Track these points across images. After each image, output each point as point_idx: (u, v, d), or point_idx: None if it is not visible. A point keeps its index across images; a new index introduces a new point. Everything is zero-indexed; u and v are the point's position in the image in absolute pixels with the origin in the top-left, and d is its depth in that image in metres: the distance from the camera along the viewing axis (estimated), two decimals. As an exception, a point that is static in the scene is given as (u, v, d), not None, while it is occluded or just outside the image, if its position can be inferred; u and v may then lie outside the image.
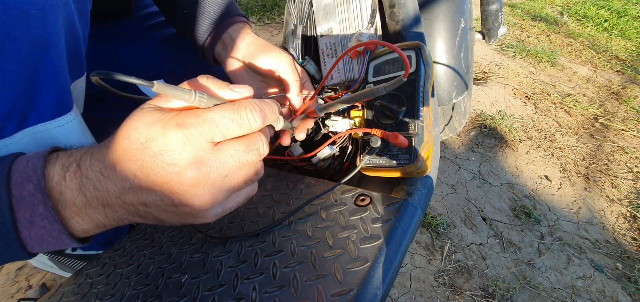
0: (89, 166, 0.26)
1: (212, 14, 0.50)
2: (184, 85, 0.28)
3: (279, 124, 0.34)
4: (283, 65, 0.45)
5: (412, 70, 0.43)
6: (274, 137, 0.59)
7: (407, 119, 0.41)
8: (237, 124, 0.26)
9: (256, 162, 0.29)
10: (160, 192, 0.26)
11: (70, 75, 0.36)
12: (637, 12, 2.74)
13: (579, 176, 1.23)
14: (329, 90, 0.59)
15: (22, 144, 0.33)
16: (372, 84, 0.47)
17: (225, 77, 0.50)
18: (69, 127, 0.36)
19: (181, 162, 0.25)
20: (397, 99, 0.43)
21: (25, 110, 0.32)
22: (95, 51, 0.45)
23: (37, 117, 0.33)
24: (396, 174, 0.41)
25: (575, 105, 1.58)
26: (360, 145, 0.46)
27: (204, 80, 0.28)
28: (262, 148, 0.28)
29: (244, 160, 0.27)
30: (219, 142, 0.27)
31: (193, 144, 0.25)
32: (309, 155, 0.54)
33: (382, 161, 0.41)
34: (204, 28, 0.50)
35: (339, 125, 0.49)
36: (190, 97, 0.25)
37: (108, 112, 0.73)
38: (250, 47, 0.48)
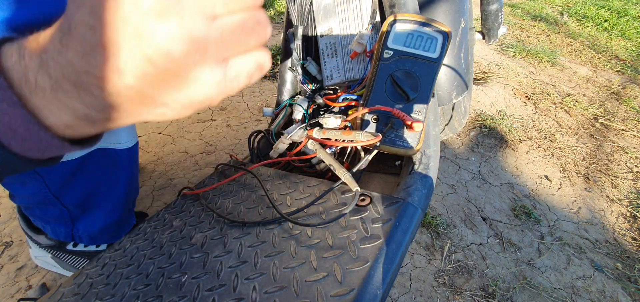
0: (48, 39, 0.22)
1: None
2: None
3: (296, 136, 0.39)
4: None
5: (436, 56, 0.41)
6: (291, 147, 0.59)
7: (417, 105, 0.42)
8: None
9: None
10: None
11: None
12: (637, 12, 2.74)
13: (579, 176, 1.23)
14: (329, 91, 0.59)
15: None
16: (391, 52, 0.43)
17: None
18: None
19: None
20: (413, 81, 0.42)
21: None
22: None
23: None
24: (398, 152, 0.44)
25: (575, 106, 1.58)
26: (354, 150, 0.46)
27: None
28: None
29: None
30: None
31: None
32: (309, 156, 0.54)
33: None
34: None
35: (330, 122, 0.50)
36: None
37: None
38: None
